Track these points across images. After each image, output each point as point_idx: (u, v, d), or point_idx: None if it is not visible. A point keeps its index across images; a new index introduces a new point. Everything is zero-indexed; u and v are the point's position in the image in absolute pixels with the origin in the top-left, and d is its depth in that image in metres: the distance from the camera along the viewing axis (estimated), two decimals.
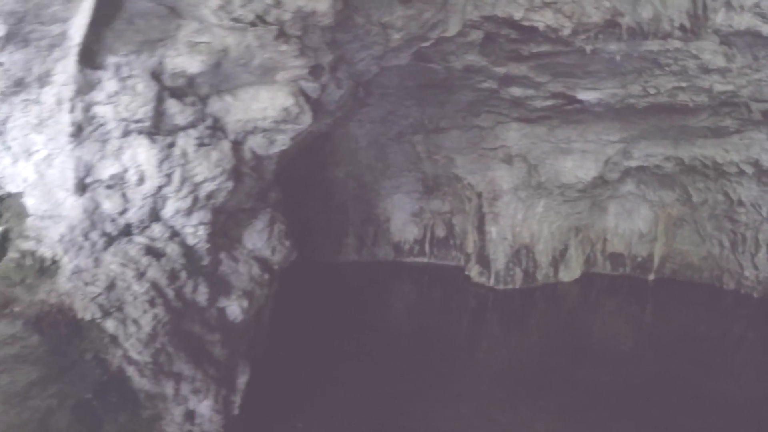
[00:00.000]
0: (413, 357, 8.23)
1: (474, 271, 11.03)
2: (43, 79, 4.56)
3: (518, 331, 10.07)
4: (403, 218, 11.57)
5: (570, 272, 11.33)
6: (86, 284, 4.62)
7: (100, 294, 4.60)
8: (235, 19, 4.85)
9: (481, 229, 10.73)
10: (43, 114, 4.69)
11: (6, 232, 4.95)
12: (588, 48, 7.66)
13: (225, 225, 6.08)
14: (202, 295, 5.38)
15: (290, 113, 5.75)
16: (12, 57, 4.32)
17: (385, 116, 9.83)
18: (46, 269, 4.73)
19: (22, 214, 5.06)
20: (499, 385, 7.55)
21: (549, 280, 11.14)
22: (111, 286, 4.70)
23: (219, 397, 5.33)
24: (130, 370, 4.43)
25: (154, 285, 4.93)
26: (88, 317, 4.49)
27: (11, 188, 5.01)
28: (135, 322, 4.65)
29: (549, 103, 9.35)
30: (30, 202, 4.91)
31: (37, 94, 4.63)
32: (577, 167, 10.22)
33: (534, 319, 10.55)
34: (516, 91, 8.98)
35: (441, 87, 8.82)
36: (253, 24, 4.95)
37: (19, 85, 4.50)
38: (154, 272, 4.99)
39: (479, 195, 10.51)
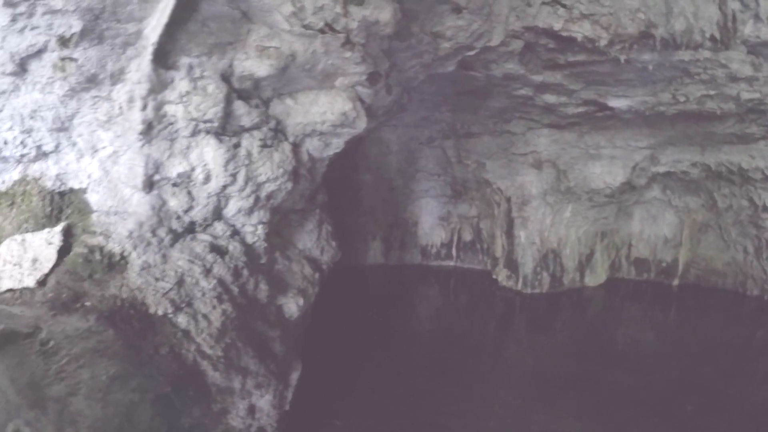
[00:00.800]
0: (443, 359, 8.31)
1: (502, 275, 11.13)
2: (116, 77, 4.69)
3: (545, 335, 10.12)
4: (430, 222, 11.68)
5: (596, 277, 11.42)
6: (156, 280, 4.73)
7: (171, 289, 4.71)
8: (306, 26, 5.00)
9: (509, 234, 10.84)
10: (113, 111, 4.81)
11: (69, 227, 5.07)
12: (622, 58, 7.86)
13: (278, 225, 6.22)
14: (262, 292, 5.50)
15: (348, 117, 5.89)
16: (86, 53, 4.46)
17: (418, 121, 9.96)
18: (115, 264, 4.83)
19: (84, 210, 5.18)
20: (530, 387, 7.63)
21: (575, 284, 11.23)
22: (180, 282, 4.82)
23: (277, 392, 5.43)
24: (204, 365, 4.52)
25: (221, 281, 5.05)
26: (160, 312, 4.58)
27: (73, 184, 5.14)
28: (205, 317, 4.76)
29: (581, 110, 9.49)
30: (94, 198, 5.03)
31: (109, 91, 4.75)
32: (606, 173, 10.34)
33: (560, 323, 10.60)
34: (550, 98, 9.13)
35: (477, 93, 8.96)
36: (322, 31, 5.11)
37: (91, 81, 4.62)
38: (219, 269, 5.11)
39: (508, 200, 10.63)
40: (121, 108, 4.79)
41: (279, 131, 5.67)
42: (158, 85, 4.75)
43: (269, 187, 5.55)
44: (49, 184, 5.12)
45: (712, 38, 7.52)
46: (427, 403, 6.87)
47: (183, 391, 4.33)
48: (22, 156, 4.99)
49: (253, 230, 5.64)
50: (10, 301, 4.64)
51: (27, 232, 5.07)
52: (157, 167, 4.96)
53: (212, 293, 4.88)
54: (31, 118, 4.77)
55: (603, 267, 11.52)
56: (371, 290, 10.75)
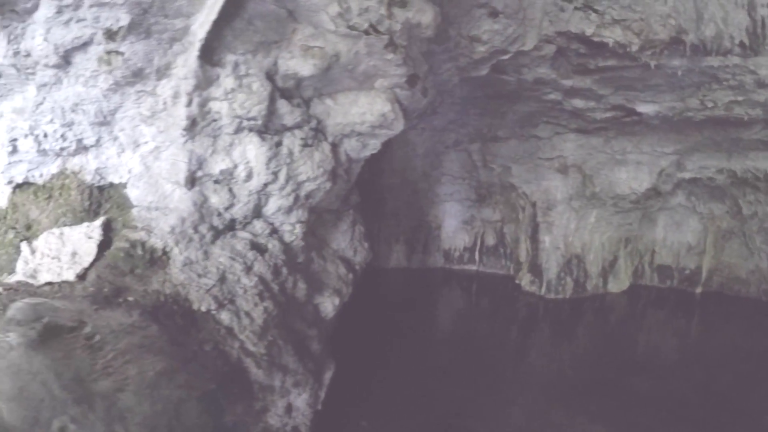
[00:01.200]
0: (466, 362, 8.29)
1: (525, 280, 11.08)
2: (162, 72, 4.70)
3: (568, 340, 10.08)
4: (453, 226, 11.66)
5: (619, 283, 11.35)
6: (199, 276, 4.74)
7: (213, 286, 4.72)
8: (351, 27, 5.01)
9: (534, 238, 10.80)
10: (157, 106, 4.82)
11: (108, 222, 5.07)
12: (653, 63, 7.89)
13: (314, 225, 6.22)
14: (300, 291, 5.49)
15: (387, 119, 5.89)
16: (133, 47, 4.47)
17: (446, 125, 9.96)
18: (157, 260, 4.83)
19: (123, 205, 5.18)
20: (552, 391, 7.60)
21: (598, 290, 11.16)
22: (222, 279, 4.82)
23: (312, 391, 5.42)
24: (248, 362, 4.51)
25: (261, 279, 5.05)
26: (203, 309, 4.58)
27: (113, 179, 5.15)
28: (247, 314, 4.75)
29: (608, 115, 9.47)
30: (134, 193, 5.04)
31: (154, 86, 4.76)
32: (632, 178, 10.30)
33: (583, 328, 10.53)
34: (578, 102, 9.12)
35: (506, 97, 8.96)
36: (366, 32, 5.13)
37: (137, 76, 4.64)
38: (259, 267, 5.12)
39: (533, 204, 10.59)
40: (165, 103, 4.80)
41: (319, 131, 5.68)
42: (204, 82, 4.76)
43: (309, 187, 5.55)
44: (88, 178, 5.13)
45: (741, 44, 7.58)
46: (451, 406, 6.86)
47: (228, 388, 4.31)
48: (62, 149, 5.00)
49: (291, 229, 5.65)
50: (50, 294, 4.64)
51: (65, 226, 5.08)
52: (200, 163, 4.98)
53: (253, 291, 4.88)
54: (73, 111, 4.78)
55: (626, 273, 11.44)
56: (394, 293, 10.73)
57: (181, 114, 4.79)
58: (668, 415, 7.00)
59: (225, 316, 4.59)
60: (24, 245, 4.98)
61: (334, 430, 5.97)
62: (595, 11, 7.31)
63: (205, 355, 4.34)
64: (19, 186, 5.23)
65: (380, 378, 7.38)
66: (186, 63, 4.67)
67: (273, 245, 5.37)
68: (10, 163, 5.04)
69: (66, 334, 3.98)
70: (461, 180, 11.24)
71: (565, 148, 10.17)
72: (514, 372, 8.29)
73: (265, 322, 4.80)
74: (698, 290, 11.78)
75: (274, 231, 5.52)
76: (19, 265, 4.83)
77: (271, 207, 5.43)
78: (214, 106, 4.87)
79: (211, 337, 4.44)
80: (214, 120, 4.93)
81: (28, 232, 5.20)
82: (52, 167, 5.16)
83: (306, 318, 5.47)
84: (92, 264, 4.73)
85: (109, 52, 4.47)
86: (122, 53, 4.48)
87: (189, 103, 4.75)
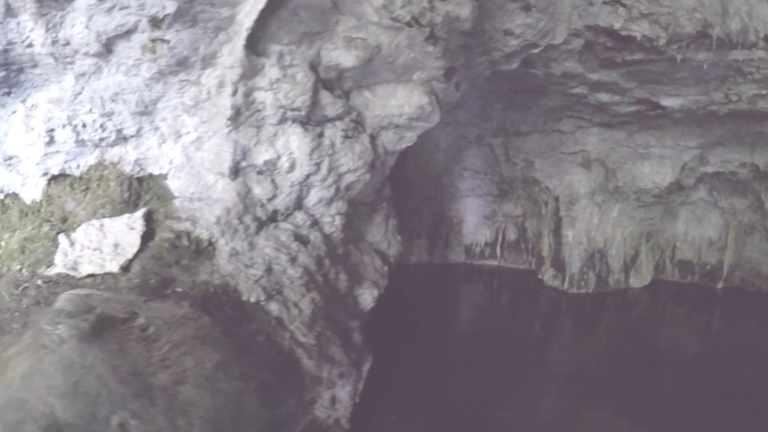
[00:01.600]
0: (491, 356, 8.27)
1: (548, 275, 11.04)
2: (207, 61, 4.66)
3: (591, 336, 10.08)
4: (475, 221, 11.62)
5: (640, 278, 11.30)
6: (247, 267, 4.72)
7: (261, 277, 4.70)
8: (394, 19, 5.00)
9: (557, 233, 10.76)
10: (200, 96, 4.79)
11: (150, 213, 5.05)
12: (679, 57, 7.92)
13: (350, 217, 6.19)
14: (342, 282, 5.48)
15: (424, 111, 5.87)
16: (178, 35, 4.43)
17: (470, 119, 9.94)
18: (203, 251, 4.81)
19: (164, 196, 5.16)
20: (577, 385, 7.63)
21: (620, 285, 11.12)
22: (269, 270, 4.81)
23: (354, 383, 5.40)
24: (299, 353, 4.49)
25: (306, 270, 5.04)
26: (253, 299, 4.55)
27: (153, 170, 5.13)
28: (295, 305, 4.74)
29: (632, 108, 9.46)
30: (175, 184, 5.02)
31: (198, 75, 4.73)
32: (655, 172, 10.26)
33: (605, 324, 10.52)
34: (603, 96, 9.12)
35: (532, 91, 8.95)
36: (408, 24, 5.12)
37: (182, 64, 4.60)
38: (304, 258, 5.11)
39: (556, 198, 10.56)
40: (209, 93, 4.78)
41: (359, 123, 5.67)
42: (249, 71, 4.75)
43: (349, 178, 5.54)
44: (127, 169, 5.11)
45: (766, 38, 7.57)
46: (478, 399, 6.86)
47: (282, 380, 4.28)
48: (101, 140, 4.96)
49: (331, 221, 5.64)
50: (93, 286, 4.57)
51: (104, 217, 5.05)
52: (244, 154, 4.96)
53: (299, 281, 4.87)
54: (113, 101, 4.74)
55: (647, 268, 11.38)
56: (417, 288, 10.66)
57: (225, 104, 4.77)
58: (690, 411, 6.98)
59: (274, 307, 4.57)
60: (62, 237, 4.93)
61: (364, 422, 5.94)
62: (623, 5, 7.35)
63: (258, 346, 4.31)
64: (54, 178, 5.20)
65: (406, 372, 7.37)
66: (232, 52, 4.65)
67: (315, 237, 5.36)
68: (46, 154, 5.00)
69: (119, 326, 3.89)
70: (483, 175, 11.20)
71: (588, 142, 10.13)
72: (540, 366, 8.30)
73: (313, 312, 4.78)
74: (719, 286, 11.71)
75: (315, 223, 5.51)
76: (58, 257, 4.78)
77: (312, 198, 5.41)
78: (258, 96, 4.85)
79: (262, 327, 4.41)
80: (258, 110, 4.92)
81: (64, 225, 5.17)
82: (90, 158, 5.13)
83: (347, 309, 5.46)
84: (136, 255, 4.70)
85: (153, 40, 4.43)
86: (167, 41, 4.44)
87: (234, 93, 4.74)
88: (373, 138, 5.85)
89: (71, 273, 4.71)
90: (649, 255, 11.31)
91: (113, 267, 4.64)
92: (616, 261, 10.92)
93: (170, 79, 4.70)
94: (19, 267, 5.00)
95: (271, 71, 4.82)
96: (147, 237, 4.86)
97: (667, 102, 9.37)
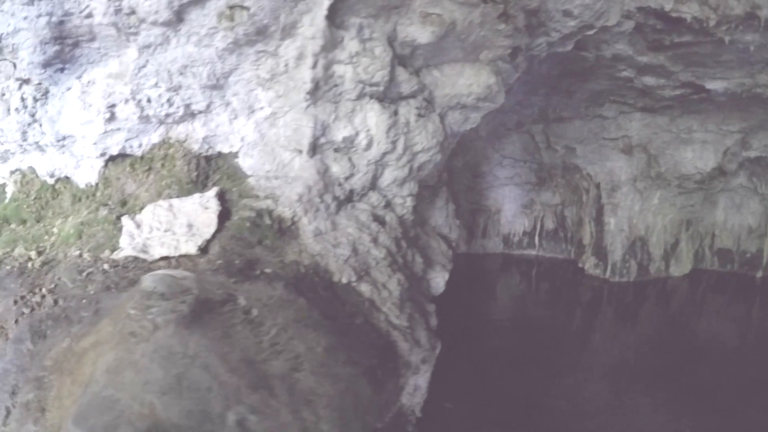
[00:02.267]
0: (535, 346, 8.24)
1: (589, 263, 10.91)
2: (287, 31, 4.44)
3: (632, 325, 9.96)
4: (513, 210, 11.49)
5: (681, 267, 11.17)
6: (333, 246, 4.54)
7: (349, 257, 4.52)
8: None
9: (598, 221, 10.63)
10: (277, 68, 4.58)
11: (222, 192, 4.84)
12: (727, 39, 7.85)
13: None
14: (418, 265, 5.34)
15: (491, 91, 5.74)
16: (259, 2, 4.22)
17: (512, 105, 9.77)
18: (286, 230, 4.60)
19: (234, 175, 4.95)
20: (627, 374, 7.64)
21: (660, 273, 11.00)
22: (355, 250, 4.64)
23: (431, 369, 5.23)
24: (396, 335, 4.31)
25: (389, 251, 4.87)
26: (344, 280, 4.36)
27: (222, 148, 4.93)
28: (384, 286, 4.58)
29: (677, 92, 9.37)
30: (247, 162, 4.83)
31: (276, 46, 4.50)
32: (697, 158, 10.15)
33: (647, 313, 10.38)
34: (649, 80, 9.04)
35: (578, 76, 8.85)
36: (484, 0, 4.96)
37: (260, 34, 4.39)
38: (384, 239, 4.95)
39: (597, 185, 10.43)
40: (287, 65, 4.58)
41: (429, 102, 5.50)
42: (330, 43, 4.57)
43: (422, 158, 5.40)
44: (195, 147, 4.89)
45: None
46: (525, 388, 6.85)
47: (385, 364, 4.07)
48: (167, 116, 4.73)
49: (403, 202, 5.49)
50: (169, 269, 4.38)
51: (170, 198, 4.84)
52: (324, 130, 4.79)
53: (384, 262, 4.71)
54: (181, 74, 4.51)
55: (688, 257, 11.25)
56: (457, 278, 10.52)
57: (305, 77, 4.58)
58: (731, 401, 6.96)
59: (365, 288, 4.39)
60: (126, 219, 4.69)
61: (424, 412, 5.84)
62: None
63: (357, 329, 4.07)
64: (112, 159, 4.99)
65: (453, 361, 7.21)
66: (313, 22, 4.44)
67: (390, 218, 5.21)
68: (105, 132, 4.75)
69: (219, 308, 3.49)
70: (522, 163, 11.06)
71: (630, 127, 10.01)
72: (589, 355, 8.33)
73: (401, 294, 4.62)
74: (758, 275, 11.56)
75: (388, 204, 5.35)
76: (124, 241, 4.53)
77: (386, 178, 5.26)
78: (338, 69, 4.68)
79: (357, 309, 4.19)
80: (336, 85, 4.75)
81: (123, 208, 4.95)
82: (154, 136, 4.90)
83: (424, 293, 5.29)
84: (213, 236, 4.50)
85: (232, 7, 4.20)
86: (247, 8, 4.21)
87: (314, 65, 4.55)
88: (441, 118, 5.69)
89: (141, 256, 4.45)
90: (689, 243, 11.19)
91: (190, 248, 4.40)
92: (656, 249, 10.80)
93: (246, 50, 4.47)
94: (78, 252, 4.75)
95: (351, 44, 4.65)
96: (222, 217, 4.67)
97: (712, 85, 9.26)
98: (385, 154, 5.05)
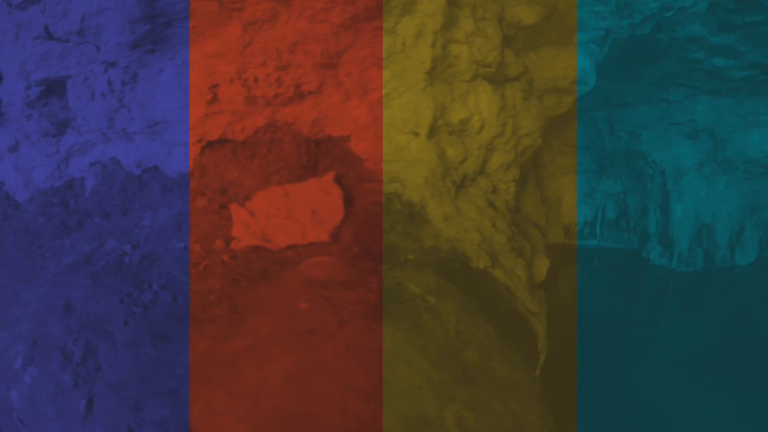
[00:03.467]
0: (603, 337, 8.07)
1: (654, 253, 10.68)
2: (407, 7, 4.29)
3: (702, 316, 9.72)
4: (573, 199, 11.27)
5: (746, 255, 10.91)
6: (465, 231, 4.44)
7: (482, 242, 4.42)
8: None
9: (664, 208, 10.41)
10: (394, 47, 4.45)
11: (338, 177, 4.74)
12: None
13: None
14: (526, 251, 5.21)
15: (586, 74, 5.66)
16: None
17: None
18: (415, 215, 4.48)
19: (347, 159, 4.83)
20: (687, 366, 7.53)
21: (726, 263, 10.74)
22: (481, 235, 4.54)
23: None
24: (533, 321, 4.18)
25: (507, 236, 4.77)
26: (481, 266, 4.25)
27: (332, 131, 4.80)
28: (512, 271, 4.47)
29: (745, 73, 9.21)
30: (360, 146, 4.72)
31: (395, 23, 4.35)
32: (765, 141, 9.91)
33: (713, 304, 10.13)
34: (719, 61, 8.91)
35: (649, 58, 8.70)
36: None
37: (379, 9, 4.22)
38: (501, 224, 4.84)
39: (663, 172, 10.21)
40: (404, 43, 4.45)
41: (530, 84, 5.42)
42: (448, 21, 4.46)
43: (525, 142, 5.31)
44: (304, 130, 4.77)
45: None
46: (593, 378, 6.59)
47: (533, 349, 3.95)
48: (275, 96, 4.58)
49: (506, 188, 5.38)
50: (300, 257, 4.23)
51: (279, 184, 4.72)
52: (442, 111, 4.69)
53: (507, 247, 4.60)
54: (291, 52, 4.32)
55: (753, 245, 10.98)
56: None
57: (423, 56, 4.47)
58: None
59: (499, 274, 4.29)
60: (236, 207, 4.61)
61: None
62: None
63: (504, 316, 3.95)
64: (209, 145, 4.88)
65: None
66: None
67: (500, 203, 5.10)
68: (206, 115, 4.63)
69: (399, 297, 3.31)
70: (584, 150, 10.86)
71: (695, 111, 9.82)
72: (660, 348, 8.10)
73: (528, 279, 4.51)
74: None
75: (494, 189, 5.25)
76: (238, 230, 4.43)
77: (494, 163, 5.18)
78: (454, 49, 4.59)
79: (498, 295, 4.06)
80: (451, 65, 4.66)
81: (224, 197, 4.85)
82: (258, 119, 4.76)
83: (534, 280, 5.19)
84: (342, 221, 4.39)
85: None
86: None
87: (433, 44, 4.44)
88: (539, 101, 5.61)
89: (264, 245, 4.35)
90: (754, 231, 10.92)
91: (321, 236, 4.24)
92: (722, 237, 10.54)
93: (363, 27, 4.28)
94: (182, 245, 4.66)
95: (466, 23, 4.57)
96: (345, 202, 4.57)
97: None
98: (495, 137, 4.97)
